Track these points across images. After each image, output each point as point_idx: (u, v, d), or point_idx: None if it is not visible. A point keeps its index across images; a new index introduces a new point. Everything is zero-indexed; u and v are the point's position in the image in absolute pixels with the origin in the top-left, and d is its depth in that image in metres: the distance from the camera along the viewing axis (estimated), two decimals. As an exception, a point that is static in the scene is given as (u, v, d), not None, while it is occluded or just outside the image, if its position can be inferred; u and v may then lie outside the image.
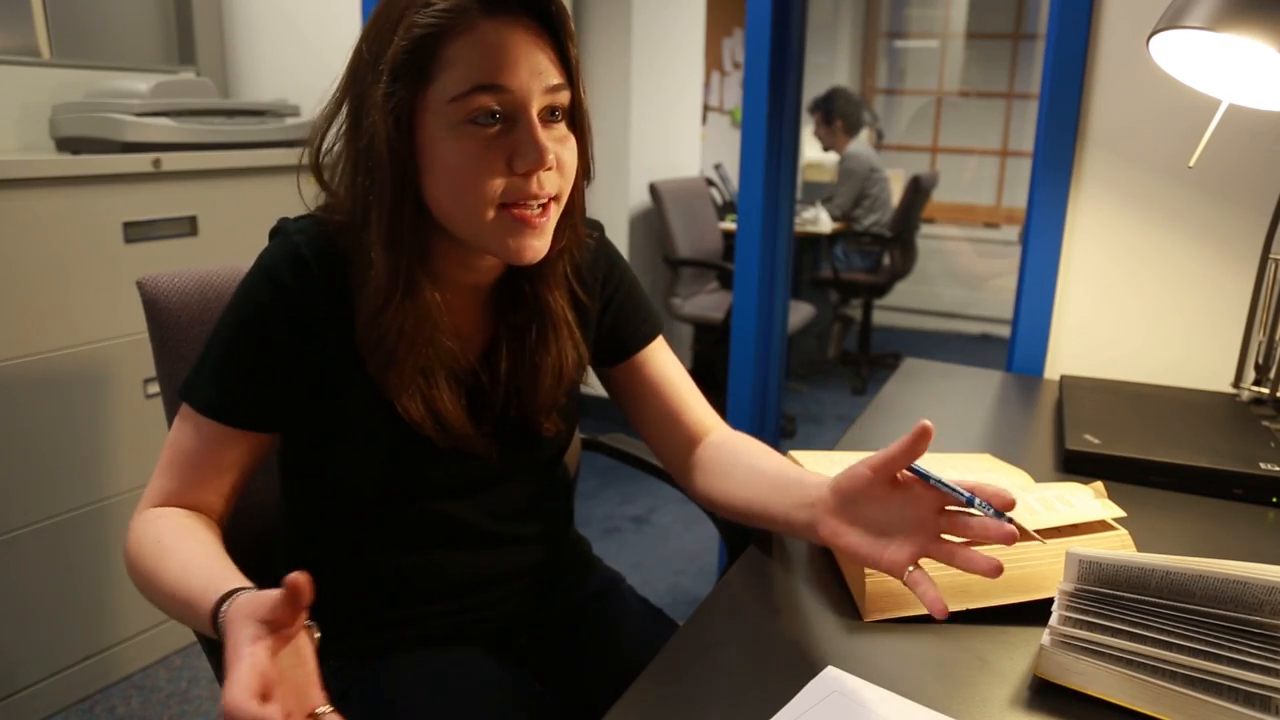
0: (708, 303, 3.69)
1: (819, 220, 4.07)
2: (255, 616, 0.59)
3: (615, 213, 3.58)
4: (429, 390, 0.79)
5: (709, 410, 0.97)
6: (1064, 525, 0.81)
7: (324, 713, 0.58)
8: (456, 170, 0.72)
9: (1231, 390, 1.30)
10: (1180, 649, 0.62)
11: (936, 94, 5.55)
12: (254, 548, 0.88)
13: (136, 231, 1.76)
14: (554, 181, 0.75)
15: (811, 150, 4.81)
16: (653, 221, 3.73)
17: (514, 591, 0.95)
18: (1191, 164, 1.16)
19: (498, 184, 0.72)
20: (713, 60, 4.66)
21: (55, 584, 1.72)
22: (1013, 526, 0.64)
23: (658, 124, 3.69)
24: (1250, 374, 1.28)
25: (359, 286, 0.76)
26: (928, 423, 0.66)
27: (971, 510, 0.67)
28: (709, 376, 3.77)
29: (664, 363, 0.96)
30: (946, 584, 0.74)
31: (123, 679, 1.87)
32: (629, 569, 2.15)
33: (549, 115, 0.74)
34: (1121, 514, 0.85)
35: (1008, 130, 5.36)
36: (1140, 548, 0.83)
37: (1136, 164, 1.40)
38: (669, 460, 0.97)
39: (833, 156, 4.40)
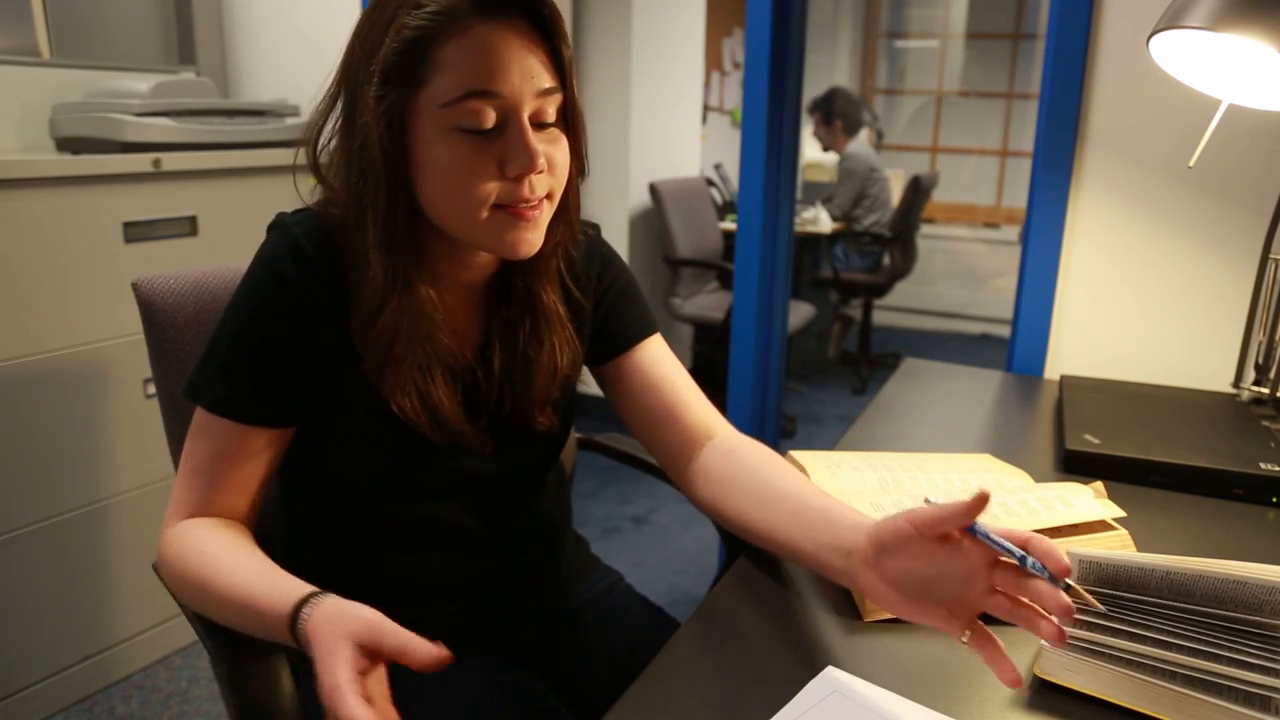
0: (708, 303, 3.69)
1: (819, 220, 4.07)
2: (354, 639, 0.61)
3: (615, 213, 3.58)
4: (425, 386, 0.79)
5: (712, 412, 0.94)
6: (1064, 525, 0.81)
7: None
8: (449, 173, 0.72)
9: (1231, 390, 1.30)
10: (1180, 649, 0.62)
11: (936, 94, 5.55)
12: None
13: (136, 231, 1.76)
14: (545, 183, 0.75)
15: (811, 150, 4.81)
16: (653, 221, 3.73)
17: (513, 591, 0.95)
18: (1191, 164, 1.16)
19: (490, 187, 0.72)
20: (713, 60, 4.66)
21: (55, 584, 1.72)
22: (1068, 599, 0.59)
23: (658, 124, 3.69)
24: (1250, 374, 1.28)
25: (355, 285, 0.76)
26: (986, 490, 0.59)
27: (1026, 569, 0.61)
28: (709, 376, 3.77)
29: (659, 360, 0.94)
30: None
31: (123, 679, 1.87)
32: (629, 569, 2.15)
33: (541, 117, 0.74)
34: (1121, 514, 0.85)
35: (1008, 130, 5.36)
36: (1140, 548, 0.84)
37: (1136, 164, 1.40)
38: (666, 462, 0.94)
39: (833, 156, 4.41)
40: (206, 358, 0.79)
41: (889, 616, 0.76)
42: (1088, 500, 0.86)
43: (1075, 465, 1.07)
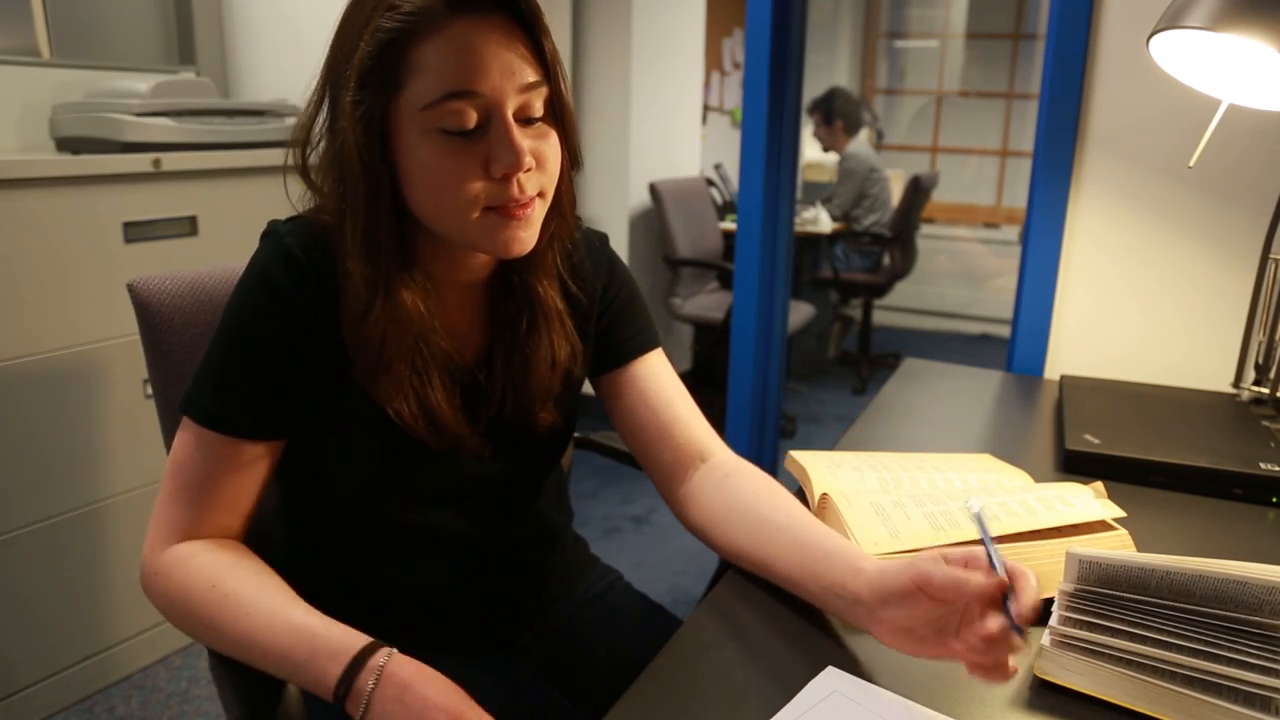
0: (708, 303, 3.69)
1: (819, 220, 4.07)
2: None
3: (615, 213, 3.58)
4: (422, 390, 0.78)
5: (709, 432, 0.92)
6: (1064, 525, 0.81)
7: None
8: (434, 176, 0.71)
9: (1231, 390, 1.30)
10: (1180, 649, 0.62)
11: (936, 94, 5.55)
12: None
13: (136, 231, 1.76)
14: (535, 181, 0.74)
15: (811, 150, 4.81)
16: (653, 221, 3.73)
17: (513, 592, 0.95)
18: (1191, 164, 1.16)
19: (477, 188, 0.71)
20: (713, 60, 4.66)
21: (54, 584, 1.72)
22: (1008, 659, 0.59)
23: (658, 124, 3.69)
24: (1250, 374, 1.28)
25: (343, 291, 0.75)
26: (1005, 578, 0.60)
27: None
28: (709, 376, 3.77)
29: (657, 375, 0.93)
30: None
31: (123, 679, 1.87)
32: (629, 569, 2.16)
33: (527, 112, 0.72)
34: (1121, 514, 0.85)
35: (1008, 130, 5.36)
36: (1140, 548, 0.83)
37: (1136, 164, 1.40)
38: (659, 480, 0.92)
39: (833, 156, 4.41)
40: (201, 372, 0.77)
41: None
42: (1088, 500, 0.86)
43: (1075, 465, 1.07)
